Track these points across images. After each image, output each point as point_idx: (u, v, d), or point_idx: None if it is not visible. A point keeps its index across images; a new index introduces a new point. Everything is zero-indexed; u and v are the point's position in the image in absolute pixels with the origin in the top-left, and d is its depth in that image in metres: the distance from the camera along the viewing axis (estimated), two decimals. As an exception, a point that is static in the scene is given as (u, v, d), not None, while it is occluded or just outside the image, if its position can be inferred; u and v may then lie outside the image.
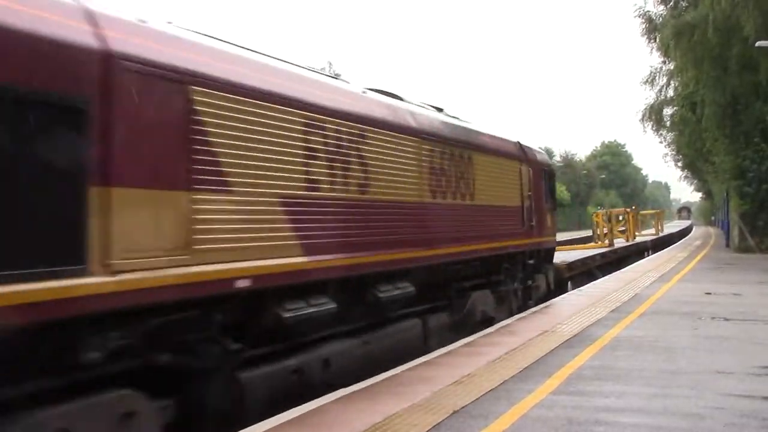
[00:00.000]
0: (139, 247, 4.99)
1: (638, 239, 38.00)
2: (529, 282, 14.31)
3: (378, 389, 6.90)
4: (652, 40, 32.88)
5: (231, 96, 6.00)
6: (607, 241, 30.94)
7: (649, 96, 42.00)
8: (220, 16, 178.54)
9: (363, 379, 7.28)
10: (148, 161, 5.14)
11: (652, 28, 32.51)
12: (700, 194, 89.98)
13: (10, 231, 4.20)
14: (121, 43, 5.06)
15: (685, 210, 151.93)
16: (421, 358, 8.46)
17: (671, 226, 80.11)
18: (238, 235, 5.93)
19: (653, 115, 41.02)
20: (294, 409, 6.19)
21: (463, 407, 6.04)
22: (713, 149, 37.61)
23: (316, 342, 7.36)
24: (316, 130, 7.14)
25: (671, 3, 32.66)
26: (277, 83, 6.80)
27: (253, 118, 6.24)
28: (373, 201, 8.11)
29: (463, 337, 9.91)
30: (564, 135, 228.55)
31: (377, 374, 7.54)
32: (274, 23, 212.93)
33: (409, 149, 9.09)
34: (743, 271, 21.75)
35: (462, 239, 10.39)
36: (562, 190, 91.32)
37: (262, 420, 5.91)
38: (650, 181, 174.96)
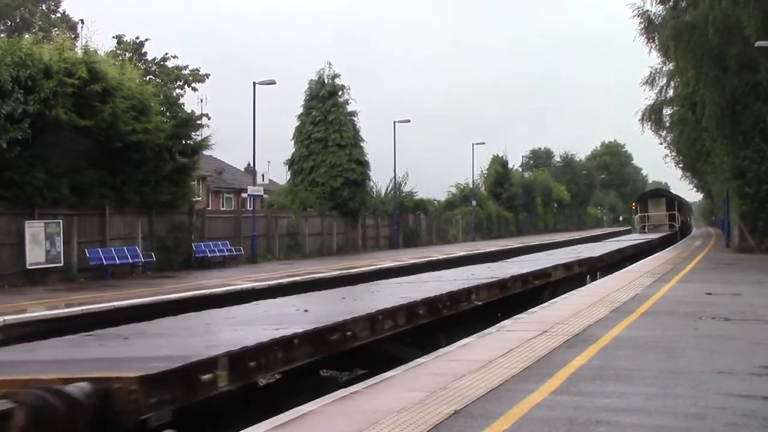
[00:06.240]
0: None
1: None
2: None
3: (380, 387, 6.90)
4: (652, 40, 32.89)
5: None
6: None
7: (649, 96, 42.03)
8: (221, 16, 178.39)
9: None
10: None
11: (651, 28, 32.52)
12: (698, 193, 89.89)
13: None
14: None
15: (658, 199, 57.35)
16: (418, 359, 8.46)
17: None
18: None
19: (653, 115, 41.10)
20: (291, 410, 6.19)
21: (464, 407, 6.04)
22: (713, 149, 37.66)
23: None
24: None
25: (670, 3, 32.67)
26: None
27: None
28: None
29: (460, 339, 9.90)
30: (564, 135, 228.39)
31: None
32: (274, 24, 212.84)
33: None
34: (743, 271, 21.76)
35: None
36: (562, 190, 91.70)
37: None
38: (650, 181, 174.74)
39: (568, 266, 20.40)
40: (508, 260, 26.87)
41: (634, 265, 25.60)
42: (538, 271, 17.66)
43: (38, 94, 21.11)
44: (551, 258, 24.00)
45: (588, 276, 21.47)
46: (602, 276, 21.47)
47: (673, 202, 57.49)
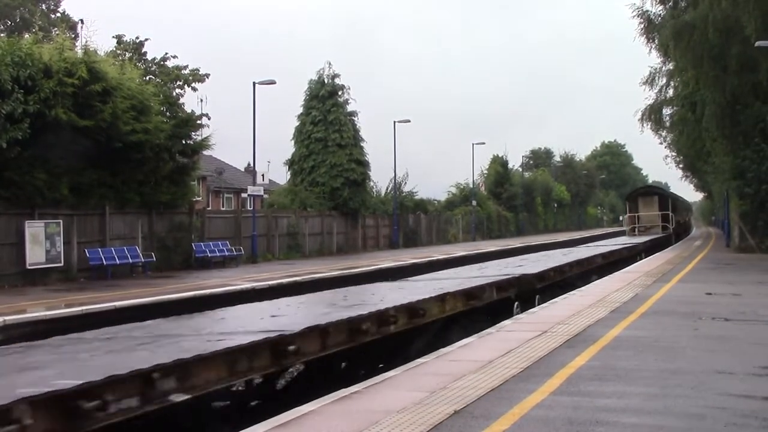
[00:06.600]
0: None
1: None
2: None
3: (380, 387, 6.90)
4: (652, 40, 32.91)
5: None
6: None
7: (649, 96, 42.06)
8: (221, 16, 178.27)
9: None
10: None
11: (651, 28, 32.53)
12: (699, 193, 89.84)
13: None
14: None
15: (649, 197, 51.18)
16: (418, 359, 8.46)
17: None
18: None
19: (653, 115, 41.09)
20: (291, 410, 6.19)
21: (464, 407, 6.04)
22: (713, 149, 37.64)
23: None
24: None
25: (670, 3, 32.69)
26: None
27: None
28: None
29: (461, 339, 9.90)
30: (564, 135, 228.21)
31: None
32: (274, 23, 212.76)
33: None
34: (743, 271, 21.76)
35: None
36: (562, 190, 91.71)
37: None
38: (651, 180, 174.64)
39: (469, 294, 13.18)
40: (412, 279, 19.36)
41: (634, 265, 25.59)
42: (397, 309, 10.42)
43: (38, 94, 21.11)
44: (482, 273, 17.73)
45: (516, 304, 14.79)
46: (543, 301, 15.06)
47: (667, 201, 50.59)
